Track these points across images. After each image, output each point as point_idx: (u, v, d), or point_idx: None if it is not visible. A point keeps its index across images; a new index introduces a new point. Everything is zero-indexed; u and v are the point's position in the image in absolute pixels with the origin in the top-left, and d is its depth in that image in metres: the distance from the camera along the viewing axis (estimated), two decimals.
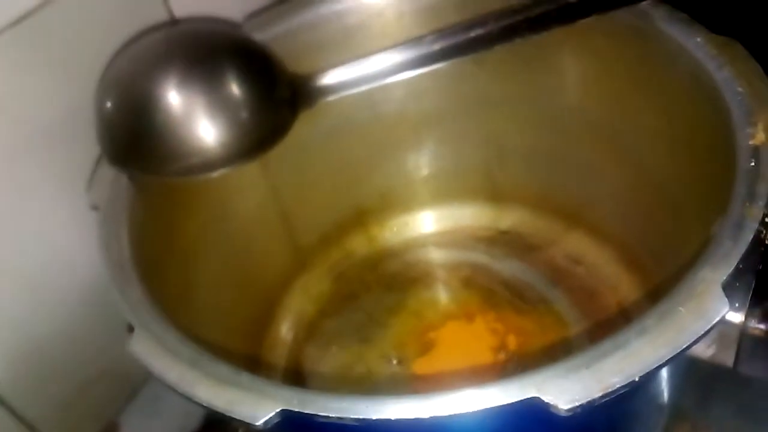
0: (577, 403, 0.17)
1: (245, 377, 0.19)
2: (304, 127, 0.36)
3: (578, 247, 0.39)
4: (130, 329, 0.22)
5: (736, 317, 0.20)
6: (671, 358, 0.17)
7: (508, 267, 0.40)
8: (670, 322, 0.18)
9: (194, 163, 0.28)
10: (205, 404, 0.19)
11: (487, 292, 0.39)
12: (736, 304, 0.20)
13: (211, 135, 0.28)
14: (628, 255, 0.36)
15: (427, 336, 0.38)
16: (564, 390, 0.17)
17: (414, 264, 0.42)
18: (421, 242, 0.43)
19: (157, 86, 0.27)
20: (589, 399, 0.17)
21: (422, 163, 0.42)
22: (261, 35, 0.33)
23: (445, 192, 0.43)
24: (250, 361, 0.37)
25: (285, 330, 0.40)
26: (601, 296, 0.37)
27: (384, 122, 0.39)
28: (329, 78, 0.31)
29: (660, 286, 0.33)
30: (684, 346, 0.18)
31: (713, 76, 0.25)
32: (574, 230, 0.39)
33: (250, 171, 0.36)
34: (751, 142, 0.23)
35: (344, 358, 0.38)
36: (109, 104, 0.28)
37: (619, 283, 0.37)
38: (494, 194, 0.42)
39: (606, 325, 0.35)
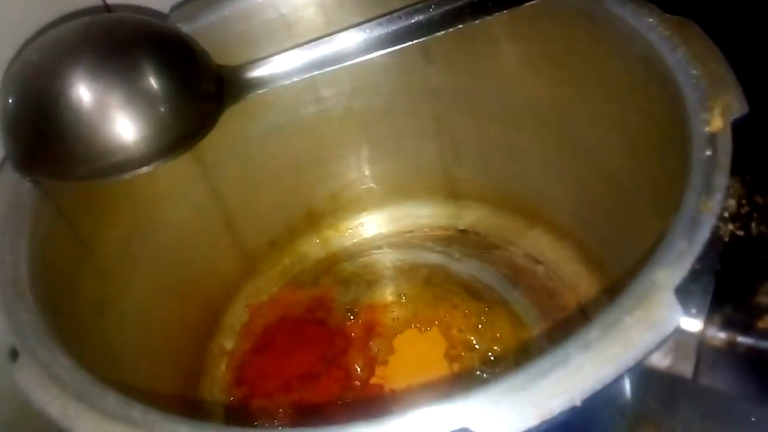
0: None
1: (137, 411, 0.17)
2: (245, 124, 0.34)
3: (538, 245, 0.38)
4: (14, 355, 0.19)
5: (694, 325, 0.18)
6: (618, 376, 0.15)
7: (467, 267, 0.39)
8: (616, 335, 0.16)
9: (106, 165, 0.26)
10: None
11: (445, 295, 0.38)
12: (693, 310, 0.18)
13: (125, 132, 0.26)
14: (588, 252, 0.35)
15: (384, 343, 0.37)
16: (497, 418, 0.15)
17: (369, 266, 0.40)
18: (377, 243, 0.41)
19: (66, 80, 0.25)
20: (524, 428, 0.15)
21: (375, 160, 0.40)
22: (189, 25, 0.31)
23: (400, 190, 0.41)
24: (189, 377, 0.35)
25: (230, 342, 0.38)
26: (560, 295, 0.36)
27: (332, 118, 0.37)
28: (259, 70, 0.29)
29: (620, 283, 0.31)
30: (632, 363, 0.16)
31: (666, 59, 0.23)
32: (534, 228, 0.38)
33: (184, 173, 0.34)
34: (706, 129, 0.21)
35: (296, 369, 0.36)
36: (12, 101, 0.26)
37: (579, 282, 0.36)
38: (452, 192, 0.40)
39: (566, 325, 0.34)
